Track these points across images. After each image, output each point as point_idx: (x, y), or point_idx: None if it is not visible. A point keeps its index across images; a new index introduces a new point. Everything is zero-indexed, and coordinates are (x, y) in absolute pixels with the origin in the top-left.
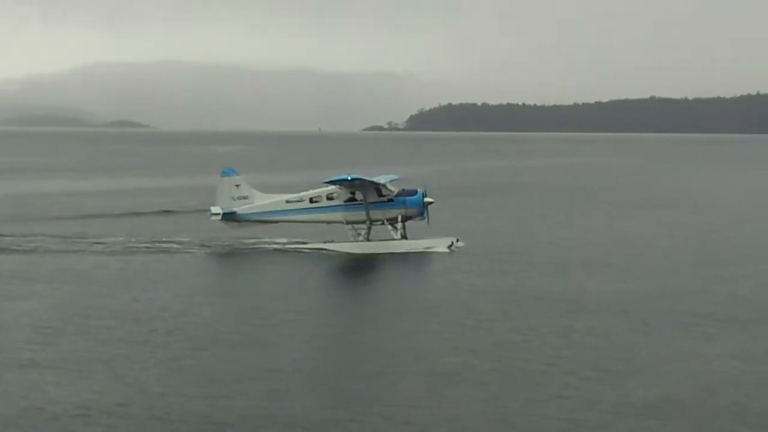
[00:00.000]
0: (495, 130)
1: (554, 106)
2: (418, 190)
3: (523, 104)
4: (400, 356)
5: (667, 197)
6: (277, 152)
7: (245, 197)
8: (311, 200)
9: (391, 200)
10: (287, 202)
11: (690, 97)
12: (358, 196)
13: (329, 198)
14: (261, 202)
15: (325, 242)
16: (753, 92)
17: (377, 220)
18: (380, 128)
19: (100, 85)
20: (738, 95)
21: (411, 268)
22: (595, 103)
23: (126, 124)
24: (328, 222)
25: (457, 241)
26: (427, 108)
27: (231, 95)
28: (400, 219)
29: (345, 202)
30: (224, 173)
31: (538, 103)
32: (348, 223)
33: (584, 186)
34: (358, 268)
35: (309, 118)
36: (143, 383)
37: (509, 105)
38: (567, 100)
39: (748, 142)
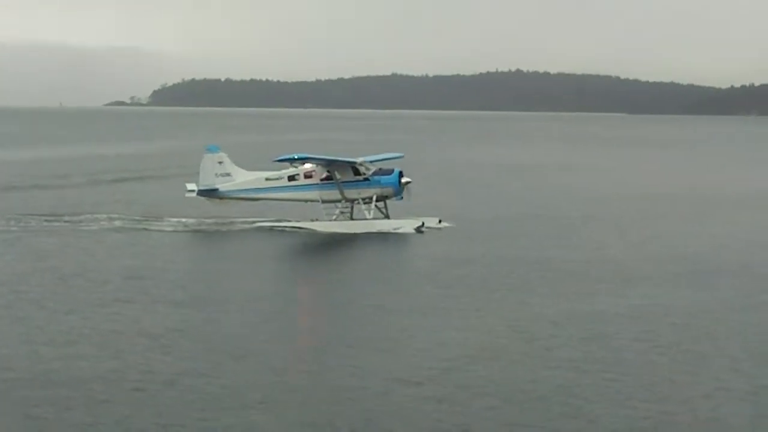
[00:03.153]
0: (239, 105)
1: (298, 83)
2: (395, 169)
3: (267, 80)
4: None
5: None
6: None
7: (228, 174)
8: (290, 178)
9: (366, 179)
10: (267, 179)
11: (430, 74)
12: (340, 175)
13: (307, 176)
14: (242, 179)
15: (311, 220)
16: (492, 70)
17: (353, 199)
18: (123, 103)
19: None
20: (477, 73)
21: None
22: (338, 79)
23: None
24: (306, 200)
25: (440, 222)
26: (170, 83)
27: None
28: (374, 198)
29: (322, 180)
30: (208, 150)
31: (282, 80)
32: (324, 201)
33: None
34: (317, 248)
35: (51, 93)
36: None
37: (253, 81)
38: (310, 77)
39: (485, 119)
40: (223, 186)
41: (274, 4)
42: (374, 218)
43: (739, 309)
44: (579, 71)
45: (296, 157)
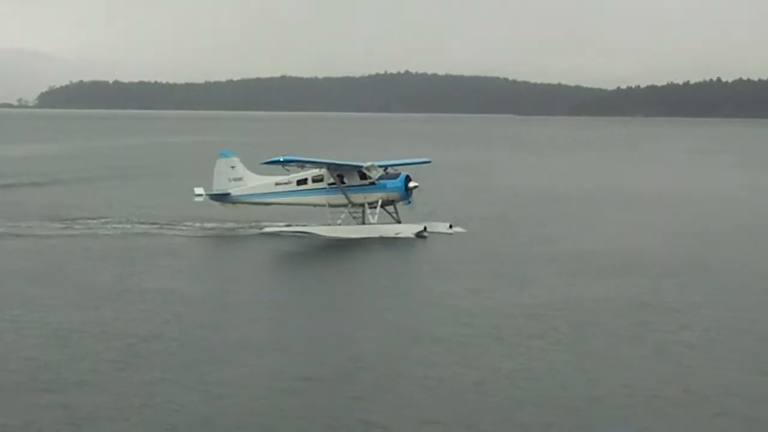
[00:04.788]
0: (128, 107)
1: (187, 84)
2: (402, 173)
3: (156, 82)
4: None
5: None
6: None
7: (240, 179)
8: (298, 182)
9: (372, 183)
10: (276, 184)
11: (320, 76)
12: (346, 179)
13: (315, 180)
14: (253, 183)
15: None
16: (381, 71)
17: (360, 204)
18: (10, 105)
19: None
20: (366, 75)
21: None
22: (227, 81)
23: None
24: (314, 205)
25: (451, 227)
26: (58, 85)
27: None
28: (380, 203)
29: (329, 185)
30: (221, 155)
31: (171, 81)
32: (331, 206)
33: None
34: (300, 252)
35: None
36: None
37: (142, 83)
38: (199, 78)
39: (372, 120)
40: (235, 191)
41: (161, 6)
42: (379, 223)
43: (634, 305)
44: (467, 73)
45: (282, 159)
